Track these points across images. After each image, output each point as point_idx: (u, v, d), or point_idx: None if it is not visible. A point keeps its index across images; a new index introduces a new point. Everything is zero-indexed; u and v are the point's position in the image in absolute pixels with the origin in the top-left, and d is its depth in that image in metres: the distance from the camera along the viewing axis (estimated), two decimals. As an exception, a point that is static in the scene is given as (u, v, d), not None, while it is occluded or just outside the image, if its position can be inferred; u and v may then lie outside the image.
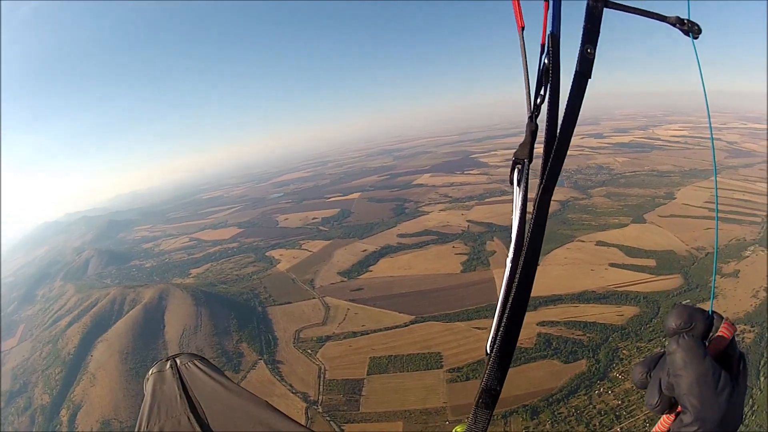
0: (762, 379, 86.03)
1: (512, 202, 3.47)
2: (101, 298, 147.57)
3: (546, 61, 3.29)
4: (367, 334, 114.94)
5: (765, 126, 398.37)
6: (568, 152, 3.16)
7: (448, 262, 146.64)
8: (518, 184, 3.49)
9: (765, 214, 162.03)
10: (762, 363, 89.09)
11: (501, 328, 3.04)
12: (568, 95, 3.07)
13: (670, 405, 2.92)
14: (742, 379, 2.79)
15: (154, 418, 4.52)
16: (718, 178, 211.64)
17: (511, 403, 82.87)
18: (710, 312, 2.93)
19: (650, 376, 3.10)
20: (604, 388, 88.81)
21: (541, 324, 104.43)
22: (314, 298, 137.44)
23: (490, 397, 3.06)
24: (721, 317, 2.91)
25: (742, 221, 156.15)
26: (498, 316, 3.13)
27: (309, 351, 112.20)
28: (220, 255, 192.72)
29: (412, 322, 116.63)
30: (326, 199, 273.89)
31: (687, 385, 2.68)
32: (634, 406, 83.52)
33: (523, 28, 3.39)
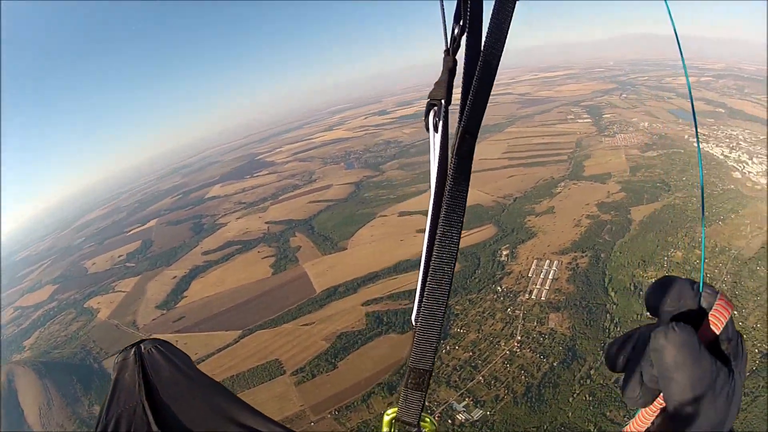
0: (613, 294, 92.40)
1: (429, 149, 3.11)
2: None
3: None
4: (203, 360, 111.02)
5: (558, 73, 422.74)
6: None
7: (257, 268, 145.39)
8: (435, 129, 3.16)
9: (570, 151, 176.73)
10: (607, 281, 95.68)
11: (424, 298, 2.63)
12: (490, 20, 2.50)
13: (653, 397, 2.53)
14: (741, 364, 2.41)
15: (114, 407, 4.15)
16: (513, 128, 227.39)
17: (365, 386, 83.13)
18: (700, 287, 2.47)
19: (628, 359, 2.64)
20: (450, 346, 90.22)
21: (366, 304, 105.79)
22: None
23: (418, 376, 2.67)
24: (715, 292, 2.43)
25: (546, 163, 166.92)
26: (420, 283, 2.75)
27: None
28: (45, 318, 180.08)
29: (241, 337, 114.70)
30: (126, 234, 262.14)
31: (679, 389, 2.29)
32: (487, 353, 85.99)
33: None
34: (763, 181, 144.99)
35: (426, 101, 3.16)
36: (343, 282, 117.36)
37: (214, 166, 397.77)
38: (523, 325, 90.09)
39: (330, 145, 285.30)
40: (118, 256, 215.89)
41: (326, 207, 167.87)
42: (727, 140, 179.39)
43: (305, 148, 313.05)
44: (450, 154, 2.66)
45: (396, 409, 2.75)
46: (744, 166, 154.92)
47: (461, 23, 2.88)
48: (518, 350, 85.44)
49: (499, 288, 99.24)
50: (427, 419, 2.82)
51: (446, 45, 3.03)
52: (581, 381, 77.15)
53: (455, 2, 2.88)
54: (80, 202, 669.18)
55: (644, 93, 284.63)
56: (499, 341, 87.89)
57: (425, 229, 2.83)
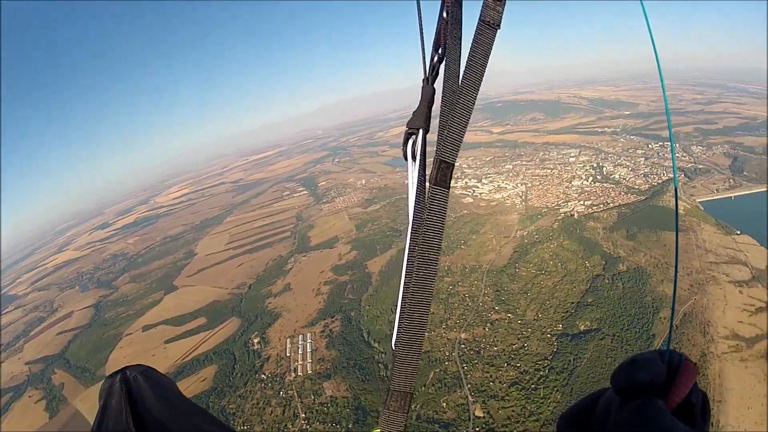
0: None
1: (408, 178, 3.35)
2: None
3: (444, 15, 3.16)
4: None
5: (268, 153, 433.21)
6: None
7: (35, 415, 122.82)
8: (413, 158, 3.38)
9: (292, 226, 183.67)
10: (366, 336, 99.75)
11: (403, 321, 2.87)
12: (470, 49, 2.75)
13: None
14: (707, 422, 2.49)
15: None
16: (232, 218, 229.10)
17: None
18: (667, 353, 2.56)
19: (583, 427, 2.77)
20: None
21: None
22: None
23: (400, 398, 2.86)
24: (680, 356, 2.55)
25: (272, 243, 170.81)
26: (400, 306, 2.97)
27: None
28: None
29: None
30: None
31: None
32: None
33: None
34: (498, 196, 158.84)
35: (405, 130, 3.41)
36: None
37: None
38: (301, 402, 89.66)
39: (63, 268, 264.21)
40: None
41: (74, 336, 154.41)
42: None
43: (41, 275, 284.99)
44: (430, 181, 2.84)
45: (379, 430, 2.92)
46: (474, 190, 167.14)
47: (440, 51, 3.25)
48: (308, 427, 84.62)
49: (263, 376, 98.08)
50: None
51: (425, 73, 3.31)
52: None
53: (434, 31, 3.29)
54: None
55: (357, 153, 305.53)
56: (285, 425, 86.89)
57: (404, 258, 3.17)
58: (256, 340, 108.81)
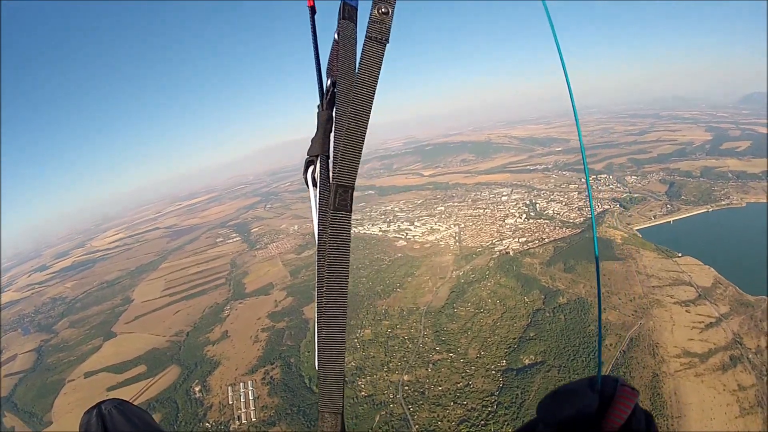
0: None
1: (310, 206, 3.30)
2: None
3: (336, 36, 3.16)
4: None
5: (200, 199, 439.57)
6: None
7: None
8: (314, 185, 3.36)
9: (227, 273, 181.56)
10: (308, 381, 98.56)
11: (322, 344, 2.86)
12: (358, 69, 2.77)
13: None
14: None
15: None
16: (167, 264, 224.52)
17: None
18: (598, 381, 2.59)
19: None
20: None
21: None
22: None
23: (331, 419, 2.79)
24: (615, 381, 2.59)
25: (207, 290, 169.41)
26: (317, 331, 2.90)
27: None
28: None
29: None
30: None
31: None
32: None
33: (312, 7, 3.27)
34: (431, 238, 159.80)
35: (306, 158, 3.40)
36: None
37: None
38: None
39: (5, 310, 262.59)
40: None
41: (19, 380, 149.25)
42: (382, 217, 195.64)
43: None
44: (330, 206, 2.82)
45: None
46: (407, 233, 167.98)
47: (333, 76, 3.23)
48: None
49: (207, 424, 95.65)
50: None
51: (320, 98, 3.35)
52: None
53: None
54: None
55: (288, 198, 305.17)
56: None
57: (315, 284, 3.04)
58: (197, 389, 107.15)
